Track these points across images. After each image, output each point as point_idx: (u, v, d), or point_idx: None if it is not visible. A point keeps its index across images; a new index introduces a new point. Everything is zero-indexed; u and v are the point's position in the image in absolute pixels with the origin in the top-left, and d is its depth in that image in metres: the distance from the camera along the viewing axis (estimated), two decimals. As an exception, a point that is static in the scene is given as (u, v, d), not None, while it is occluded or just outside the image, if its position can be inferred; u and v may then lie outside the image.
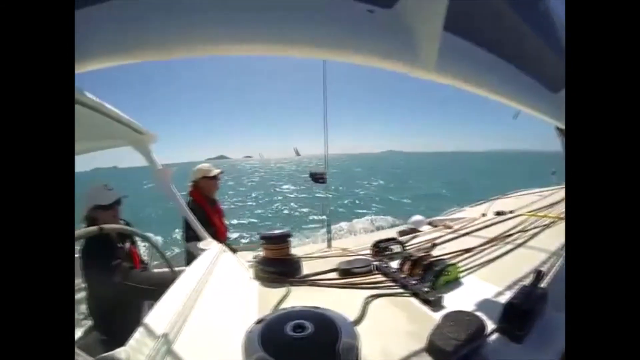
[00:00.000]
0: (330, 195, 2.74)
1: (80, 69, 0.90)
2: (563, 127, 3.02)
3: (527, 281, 1.15)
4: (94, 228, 1.25)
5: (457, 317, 1.00)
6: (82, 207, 1.81)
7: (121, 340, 0.84)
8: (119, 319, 1.69)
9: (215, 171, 3.01)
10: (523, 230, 2.19)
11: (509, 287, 1.34)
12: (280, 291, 1.47)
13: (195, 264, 1.45)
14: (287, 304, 1.34)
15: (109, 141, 2.10)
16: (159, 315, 0.92)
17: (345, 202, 19.80)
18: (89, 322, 2.07)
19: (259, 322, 0.85)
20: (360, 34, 0.99)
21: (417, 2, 1.00)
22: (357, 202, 20.25)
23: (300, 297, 1.42)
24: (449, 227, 2.50)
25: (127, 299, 1.71)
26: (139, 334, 0.81)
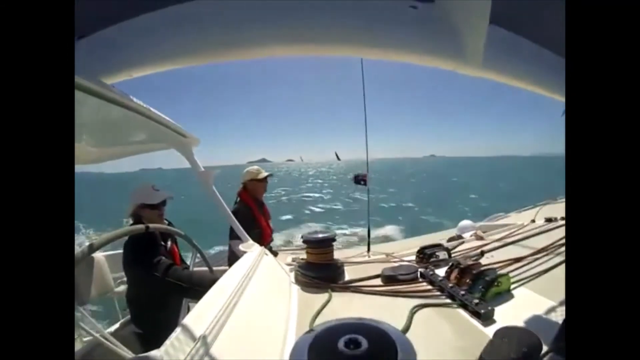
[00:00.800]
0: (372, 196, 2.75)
1: (126, 77, 0.95)
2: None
3: None
4: (140, 226, 1.34)
5: (511, 334, 0.92)
6: (128, 204, 1.93)
7: (156, 336, 0.86)
8: (157, 314, 1.75)
9: (264, 174, 3.08)
10: None
11: (564, 302, 1.22)
12: (321, 297, 1.45)
13: (236, 266, 1.47)
14: (328, 311, 1.32)
15: (155, 144, 2.21)
16: (198, 317, 0.93)
17: (385, 205, 19.68)
18: (127, 316, 2.17)
19: (309, 332, 0.83)
20: (403, 30, 0.96)
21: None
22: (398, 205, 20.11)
23: (342, 304, 1.40)
24: (480, 238, 2.37)
25: (167, 295, 1.76)
26: (176, 334, 0.80)
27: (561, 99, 1.48)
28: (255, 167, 3.17)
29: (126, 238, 1.77)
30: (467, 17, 0.96)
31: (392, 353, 0.71)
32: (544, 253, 1.78)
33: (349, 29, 0.90)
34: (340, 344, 0.74)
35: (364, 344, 0.73)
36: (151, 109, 1.50)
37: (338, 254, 2.51)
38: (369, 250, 2.49)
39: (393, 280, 1.56)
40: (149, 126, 1.64)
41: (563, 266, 1.59)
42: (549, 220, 2.77)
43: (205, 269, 1.86)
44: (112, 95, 1.09)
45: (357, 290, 1.53)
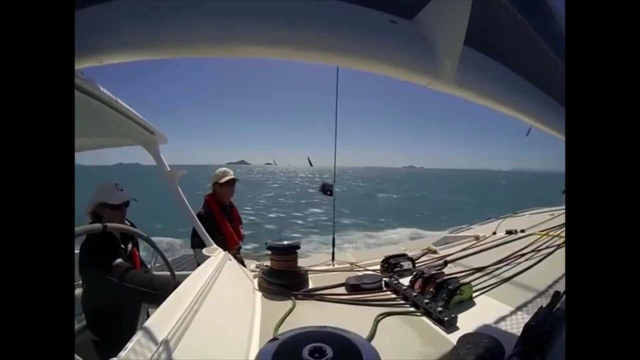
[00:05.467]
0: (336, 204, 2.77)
1: (96, 63, 0.92)
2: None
3: (543, 302, 1.15)
4: (97, 225, 1.28)
5: (474, 340, 0.99)
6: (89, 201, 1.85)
7: (114, 343, 0.83)
8: (114, 320, 1.69)
9: (227, 178, 2.99)
10: (536, 250, 2.20)
11: (524, 308, 1.34)
12: (285, 304, 1.47)
13: (198, 271, 1.46)
14: (292, 318, 1.35)
15: (119, 139, 2.13)
16: (158, 323, 0.91)
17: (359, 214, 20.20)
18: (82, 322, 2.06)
19: (273, 340, 0.85)
20: (382, 43, 1.03)
21: (438, 14, 1.04)
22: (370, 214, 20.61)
23: (306, 312, 1.42)
24: (434, 252, 2.50)
25: (124, 300, 1.71)
26: (135, 340, 0.79)
27: (528, 120, 1.63)
28: (223, 169, 3.09)
29: (83, 238, 1.70)
30: (443, 36, 1.04)
31: None
32: (505, 263, 1.92)
33: (327, 35, 0.94)
34: (305, 353, 0.75)
35: (329, 352, 0.75)
36: (119, 101, 1.46)
37: (303, 262, 2.54)
38: (333, 259, 2.53)
39: (357, 289, 1.61)
40: (115, 119, 1.59)
41: (522, 274, 1.74)
42: (509, 232, 2.97)
43: (168, 273, 1.83)
44: (75, 81, 1.05)
45: (321, 298, 1.56)
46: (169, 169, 2.16)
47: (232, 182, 3.03)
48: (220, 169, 3.08)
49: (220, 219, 2.87)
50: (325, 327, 0.92)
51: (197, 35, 0.87)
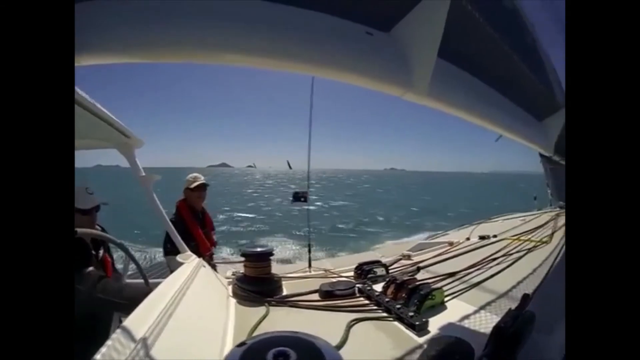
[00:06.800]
0: (313, 210, 2.78)
1: (80, 62, 0.91)
2: (546, 154, 3.21)
3: (513, 305, 1.20)
4: None
5: (444, 343, 1.03)
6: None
7: (84, 352, 0.83)
8: (85, 331, 1.64)
9: (197, 183, 2.95)
10: (507, 254, 2.29)
11: (494, 311, 1.40)
12: (258, 311, 1.48)
13: (170, 278, 1.44)
14: (265, 325, 1.35)
15: (93, 141, 2.07)
16: (129, 330, 0.91)
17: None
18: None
19: (240, 345, 0.86)
20: (357, 54, 1.06)
21: (413, 27, 1.09)
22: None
23: (279, 319, 1.43)
24: (408, 258, 2.57)
25: (96, 310, 1.66)
26: (106, 349, 0.79)
27: (498, 130, 1.70)
28: (193, 174, 3.06)
29: None
30: (418, 48, 1.09)
31: None
32: (476, 268, 1.99)
33: (301, 45, 0.96)
34: (269, 357, 0.77)
35: (293, 356, 0.77)
36: (96, 104, 1.43)
37: (279, 269, 2.55)
38: (310, 265, 2.55)
39: (331, 295, 1.64)
40: (89, 121, 1.55)
41: (493, 279, 1.81)
42: (482, 237, 3.08)
43: (142, 281, 1.79)
44: None
45: (295, 304, 1.58)
46: (143, 174, 2.13)
47: (203, 187, 3.00)
48: (191, 175, 3.04)
49: (191, 224, 2.84)
50: (296, 332, 0.94)
51: (172, 41, 0.88)
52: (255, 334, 1.26)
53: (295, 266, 2.86)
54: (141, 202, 2.16)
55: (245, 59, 0.96)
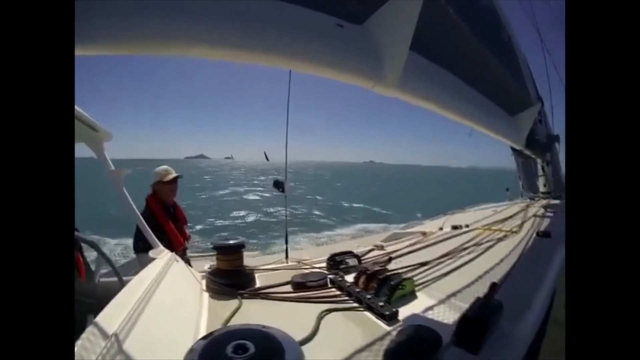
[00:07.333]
0: (288, 205, 2.78)
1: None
2: (518, 147, 3.31)
3: (481, 293, 1.24)
4: None
5: (412, 331, 1.06)
6: None
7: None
8: None
9: (171, 176, 2.89)
10: (477, 244, 2.36)
11: (464, 300, 1.44)
12: (231, 304, 1.48)
13: (142, 273, 1.42)
14: (239, 317, 1.35)
15: None
16: (100, 328, 0.90)
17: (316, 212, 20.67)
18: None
19: (204, 338, 0.87)
20: (327, 46, 1.06)
21: (386, 20, 1.09)
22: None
23: (252, 311, 1.44)
24: (381, 248, 2.61)
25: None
26: (77, 348, 0.79)
27: (470, 124, 1.74)
28: (164, 167, 2.98)
29: None
30: (390, 41, 1.09)
31: (278, 357, 0.79)
32: (448, 257, 2.05)
33: (270, 38, 0.95)
34: (229, 350, 0.79)
35: (251, 349, 0.80)
36: None
37: (257, 261, 2.53)
38: (287, 257, 2.56)
39: (303, 287, 1.65)
40: None
41: (464, 268, 1.86)
42: (455, 227, 3.16)
43: (116, 279, 1.75)
44: None
45: (267, 297, 1.59)
46: (113, 168, 2.07)
47: (176, 179, 2.95)
48: (160, 167, 2.97)
49: (163, 219, 2.78)
50: (265, 326, 0.95)
51: (141, 32, 0.85)
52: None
53: (273, 257, 2.87)
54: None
55: (216, 53, 0.94)
